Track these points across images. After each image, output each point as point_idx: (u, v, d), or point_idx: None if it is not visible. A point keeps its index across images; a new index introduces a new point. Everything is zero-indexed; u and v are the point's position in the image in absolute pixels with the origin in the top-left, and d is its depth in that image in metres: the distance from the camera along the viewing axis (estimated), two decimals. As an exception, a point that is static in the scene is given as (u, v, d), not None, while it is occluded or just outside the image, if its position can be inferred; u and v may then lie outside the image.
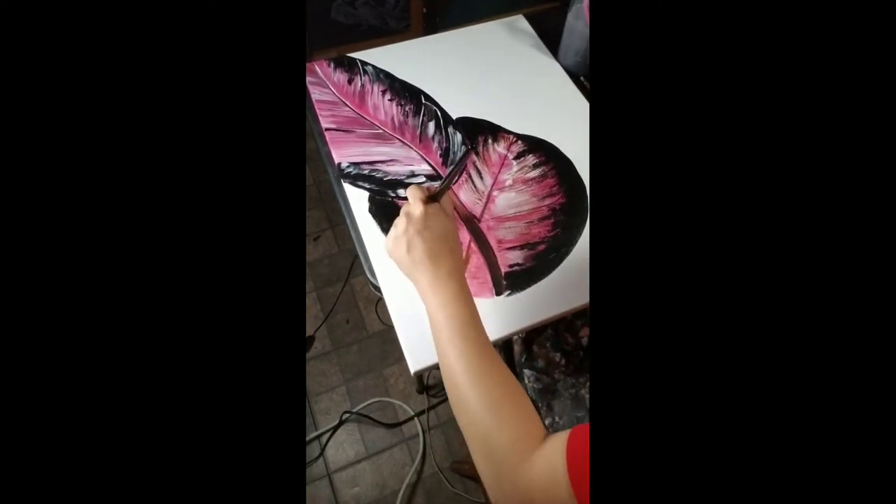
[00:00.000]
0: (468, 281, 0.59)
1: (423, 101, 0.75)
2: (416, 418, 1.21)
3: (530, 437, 0.38)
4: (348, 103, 0.74)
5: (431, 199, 0.49)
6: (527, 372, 0.57)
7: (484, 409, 0.39)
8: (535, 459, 0.37)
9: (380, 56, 0.80)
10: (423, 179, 0.67)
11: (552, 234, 0.63)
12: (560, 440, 0.36)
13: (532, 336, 0.58)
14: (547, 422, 0.55)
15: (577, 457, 0.34)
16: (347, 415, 1.20)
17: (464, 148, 0.43)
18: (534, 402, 0.56)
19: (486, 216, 0.64)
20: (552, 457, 0.35)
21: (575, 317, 0.63)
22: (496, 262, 0.61)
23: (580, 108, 0.75)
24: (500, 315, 0.57)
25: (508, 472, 0.37)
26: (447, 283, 0.45)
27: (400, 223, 0.47)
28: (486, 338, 0.43)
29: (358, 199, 0.65)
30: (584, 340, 0.59)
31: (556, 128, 0.72)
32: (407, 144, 0.70)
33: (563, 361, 0.57)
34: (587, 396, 0.56)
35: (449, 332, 0.43)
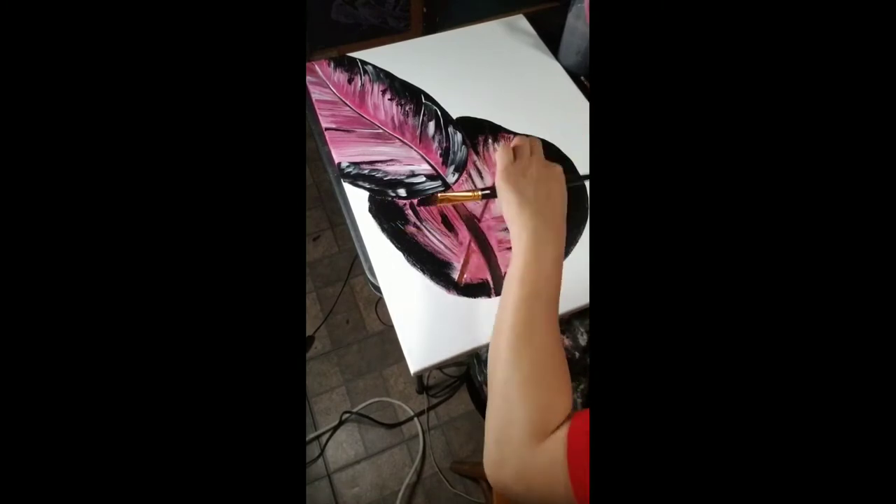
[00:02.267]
0: (468, 281, 0.59)
1: (423, 100, 0.75)
2: (415, 418, 1.21)
3: (550, 421, 0.38)
4: (348, 103, 0.74)
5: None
6: None
7: (517, 380, 0.39)
8: (544, 445, 0.36)
9: (380, 56, 0.79)
10: (423, 179, 0.67)
11: (552, 234, 0.63)
12: (564, 433, 0.36)
13: None
14: None
15: (577, 452, 0.34)
16: (347, 415, 1.20)
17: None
18: None
19: (486, 216, 0.64)
20: (557, 449, 0.35)
21: (572, 317, 0.63)
22: (496, 262, 0.61)
23: (580, 108, 0.75)
24: (500, 315, 0.57)
25: (517, 448, 0.37)
26: (555, 242, 0.46)
27: (522, 162, 0.50)
28: (556, 303, 0.44)
29: (358, 199, 0.65)
30: (582, 340, 0.59)
31: (556, 128, 0.72)
32: (407, 144, 0.70)
33: None
34: (579, 401, 0.56)
35: (520, 284, 0.43)
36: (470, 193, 0.54)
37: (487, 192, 0.53)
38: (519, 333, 0.40)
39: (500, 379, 0.40)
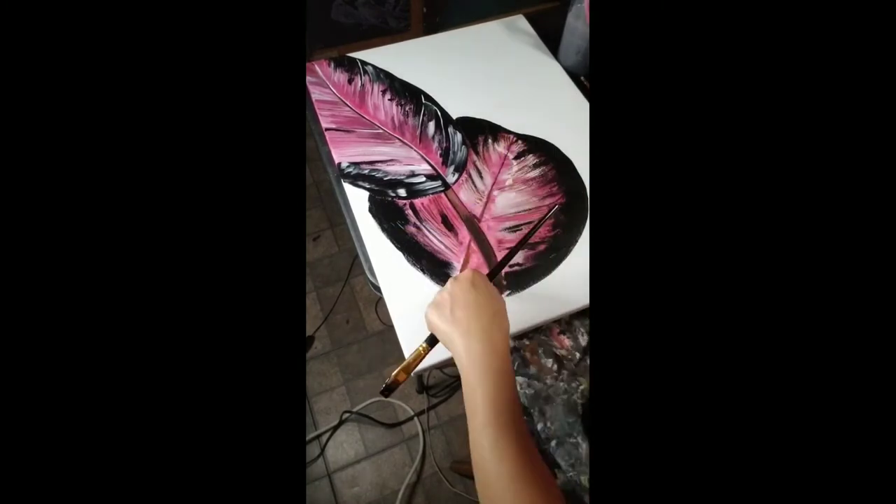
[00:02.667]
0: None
1: (423, 100, 0.75)
2: (416, 418, 1.21)
3: None
4: (348, 103, 0.74)
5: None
6: (519, 379, 0.57)
7: None
8: None
9: (380, 56, 0.80)
10: (423, 179, 0.67)
11: (552, 234, 0.63)
12: None
13: (517, 346, 0.58)
14: (539, 427, 0.56)
15: None
16: (347, 415, 1.20)
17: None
18: (525, 408, 0.57)
19: (486, 216, 0.64)
20: None
21: (573, 317, 0.63)
22: (496, 262, 0.61)
23: (580, 108, 0.75)
24: (500, 315, 0.57)
25: None
26: (491, 358, 0.42)
27: (446, 288, 0.47)
28: (523, 424, 0.40)
29: (358, 199, 0.65)
30: (583, 340, 0.59)
31: (556, 128, 0.72)
32: (407, 144, 0.70)
33: (556, 367, 0.58)
34: (580, 402, 0.57)
35: (484, 418, 0.40)
36: (418, 349, 0.49)
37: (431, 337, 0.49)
38: (484, 466, 0.39)
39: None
